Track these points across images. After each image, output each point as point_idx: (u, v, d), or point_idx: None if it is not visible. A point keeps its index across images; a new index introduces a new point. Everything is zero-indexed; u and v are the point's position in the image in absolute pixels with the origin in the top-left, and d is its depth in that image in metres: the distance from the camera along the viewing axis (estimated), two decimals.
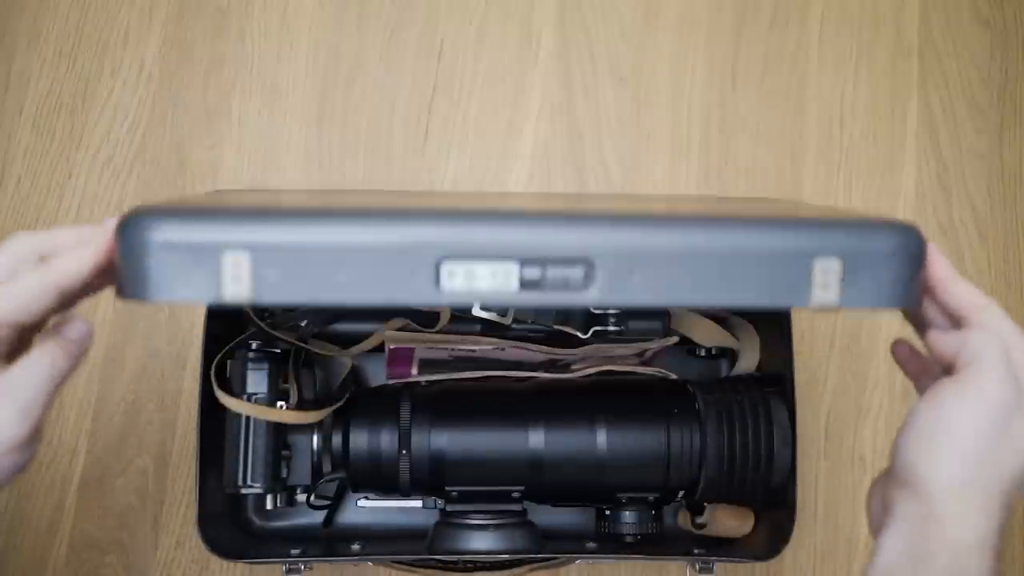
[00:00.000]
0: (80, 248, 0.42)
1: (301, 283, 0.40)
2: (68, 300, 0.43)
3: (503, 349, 0.69)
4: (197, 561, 0.77)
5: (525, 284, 0.40)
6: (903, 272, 0.42)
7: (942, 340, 0.44)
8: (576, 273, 0.41)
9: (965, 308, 0.44)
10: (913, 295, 0.42)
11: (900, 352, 0.50)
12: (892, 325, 0.83)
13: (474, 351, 0.69)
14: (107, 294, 0.87)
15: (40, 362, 0.41)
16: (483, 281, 0.40)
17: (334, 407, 0.66)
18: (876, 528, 0.45)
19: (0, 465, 0.41)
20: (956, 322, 0.45)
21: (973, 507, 0.41)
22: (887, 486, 0.44)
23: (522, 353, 0.70)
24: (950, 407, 0.42)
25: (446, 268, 0.40)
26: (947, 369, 0.44)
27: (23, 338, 0.43)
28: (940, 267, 0.44)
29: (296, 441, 0.68)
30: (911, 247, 0.42)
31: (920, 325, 0.47)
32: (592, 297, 0.41)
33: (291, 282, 0.40)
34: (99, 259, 0.42)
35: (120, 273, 0.41)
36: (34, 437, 0.42)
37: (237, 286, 0.40)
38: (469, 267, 0.40)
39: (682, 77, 0.87)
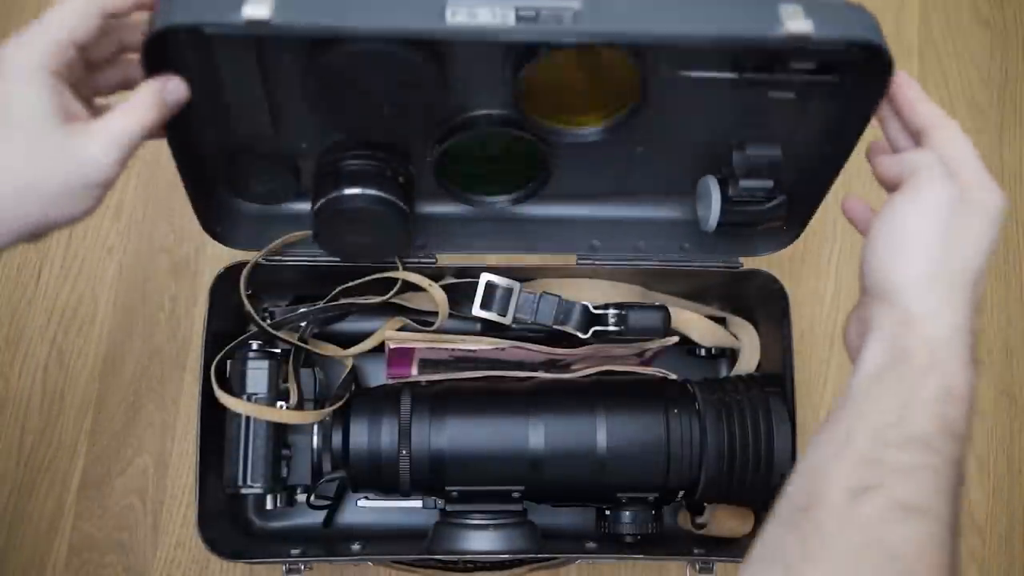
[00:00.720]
0: None
1: (318, 5, 0.45)
2: (113, 29, 0.48)
3: (503, 349, 0.69)
4: (197, 561, 0.77)
5: (521, 19, 0.46)
6: (861, 15, 0.47)
7: (885, 162, 0.48)
8: (567, 11, 0.46)
9: (927, 126, 0.47)
10: (877, 33, 0.46)
11: (852, 207, 0.53)
12: None
13: (474, 351, 0.69)
14: (105, 298, 0.86)
15: (136, 111, 0.46)
16: (483, 18, 0.46)
17: (334, 407, 0.66)
18: (855, 353, 0.47)
19: (83, 201, 0.46)
20: (919, 143, 0.48)
21: (941, 302, 0.44)
22: (861, 312, 0.47)
23: (522, 353, 0.70)
24: (900, 214, 0.45)
25: (450, 8, 0.46)
26: (895, 190, 0.47)
27: (91, 83, 0.49)
28: (909, 88, 0.48)
29: (296, 441, 0.68)
30: (861, 10, 0.47)
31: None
32: (581, 28, 0.46)
33: (308, 4, 0.45)
34: None
35: (155, 8, 0.46)
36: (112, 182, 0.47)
37: (257, 6, 0.44)
38: (471, 8, 0.46)
39: None
